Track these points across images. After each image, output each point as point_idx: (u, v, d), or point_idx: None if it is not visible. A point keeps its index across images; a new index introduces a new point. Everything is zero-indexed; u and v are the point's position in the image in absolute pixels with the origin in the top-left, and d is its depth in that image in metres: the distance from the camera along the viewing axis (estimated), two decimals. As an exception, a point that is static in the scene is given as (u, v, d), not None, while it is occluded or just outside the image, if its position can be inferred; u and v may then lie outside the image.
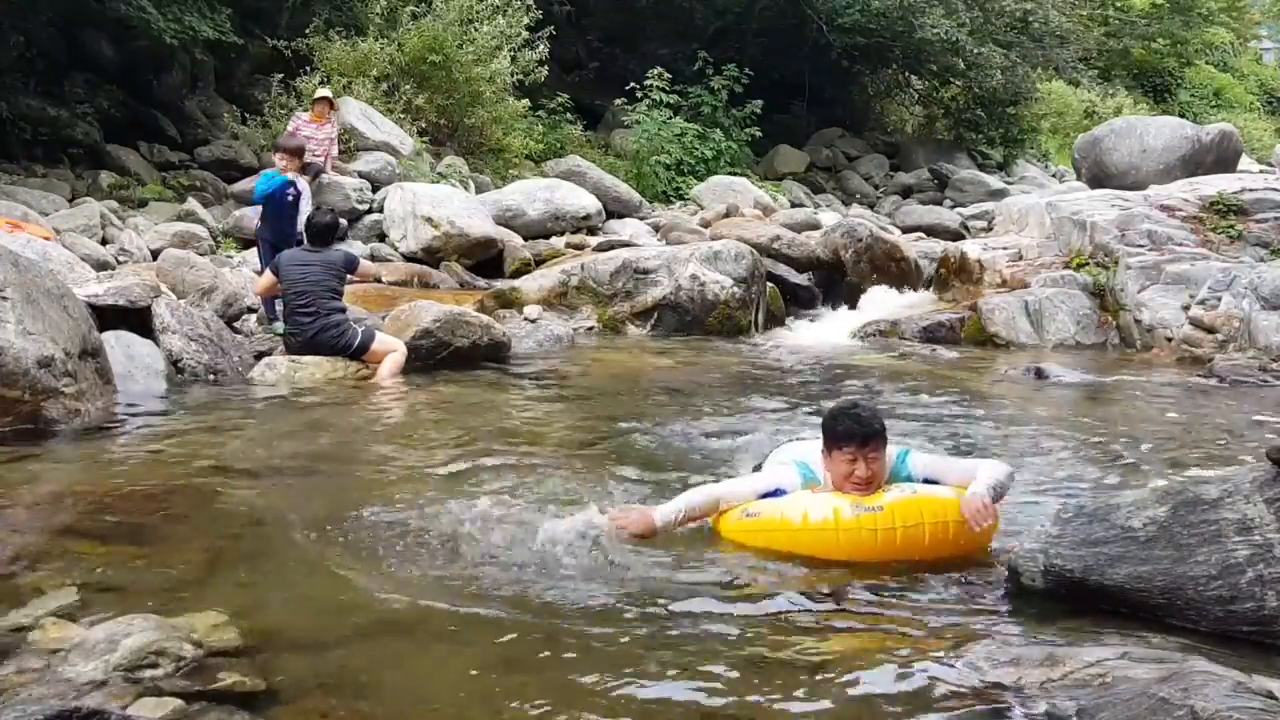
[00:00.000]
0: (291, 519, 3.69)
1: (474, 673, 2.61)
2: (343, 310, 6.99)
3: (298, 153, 8.46)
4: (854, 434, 3.49)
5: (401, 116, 13.66)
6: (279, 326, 7.22)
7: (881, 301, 10.23)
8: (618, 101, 17.66)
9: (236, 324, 7.52)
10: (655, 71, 17.04)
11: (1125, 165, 14.63)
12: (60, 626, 2.69)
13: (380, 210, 11.35)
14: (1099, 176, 14.88)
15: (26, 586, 3.00)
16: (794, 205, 17.14)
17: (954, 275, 10.31)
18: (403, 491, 4.06)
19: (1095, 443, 5.23)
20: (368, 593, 3.04)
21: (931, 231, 15.07)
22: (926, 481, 3.57)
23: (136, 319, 6.43)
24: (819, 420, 5.77)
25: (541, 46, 15.28)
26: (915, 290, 10.45)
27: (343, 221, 10.23)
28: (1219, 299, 8.41)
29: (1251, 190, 10.50)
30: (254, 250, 8.93)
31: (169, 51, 12.35)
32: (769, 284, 9.93)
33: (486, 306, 8.76)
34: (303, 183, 8.41)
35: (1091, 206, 10.65)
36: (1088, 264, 9.73)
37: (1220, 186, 10.61)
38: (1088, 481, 4.51)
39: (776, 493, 3.62)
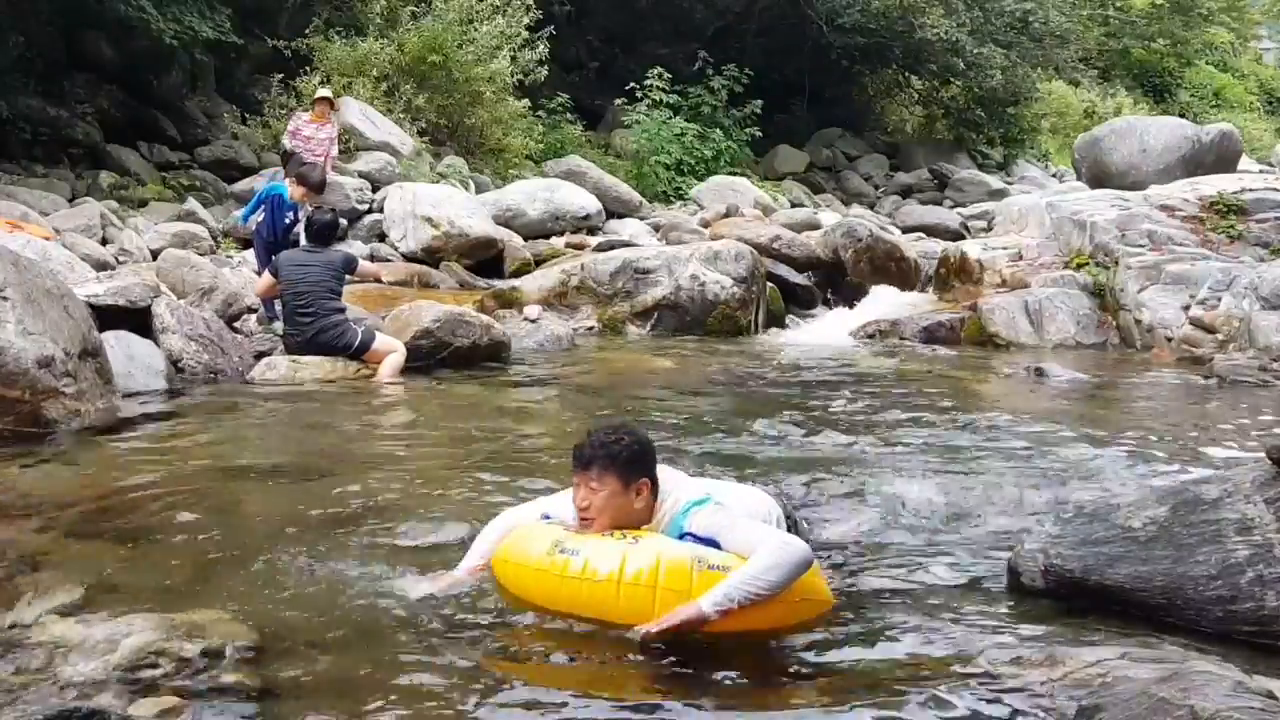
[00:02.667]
0: (291, 519, 3.69)
1: (473, 674, 2.61)
2: (342, 310, 6.98)
3: (318, 189, 8.21)
4: (578, 455, 2.95)
5: (401, 116, 13.66)
6: (279, 326, 7.21)
7: (881, 301, 10.24)
8: (618, 101, 17.68)
9: (236, 324, 7.51)
10: (655, 71, 17.05)
11: (1125, 165, 14.64)
12: (60, 626, 2.69)
13: (380, 210, 11.36)
14: (1099, 176, 14.88)
15: (26, 586, 3.00)
16: (794, 205, 17.16)
17: (954, 275, 10.31)
18: (403, 491, 4.06)
19: (1095, 443, 5.23)
20: (367, 593, 3.04)
21: (931, 231, 15.07)
22: (701, 541, 2.83)
23: (136, 319, 6.42)
24: (814, 422, 5.80)
25: (541, 46, 15.29)
26: (915, 290, 10.46)
27: (342, 221, 10.23)
28: (1219, 299, 8.41)
29: (1251, 190, 10.50)
30: (254, 251, 8.91)
31: (169, 51, 12.36)
32: (769, 284, 9.93)
33: (486, 306, 8.76)
34: (307, 210, 8.19)
35: (1091, 206, 10.65)
36: (1088, 264, 9.73)
37: (1220, 186, 10.61)
38: (1087, 481, 4.50)
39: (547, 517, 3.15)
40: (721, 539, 2.79)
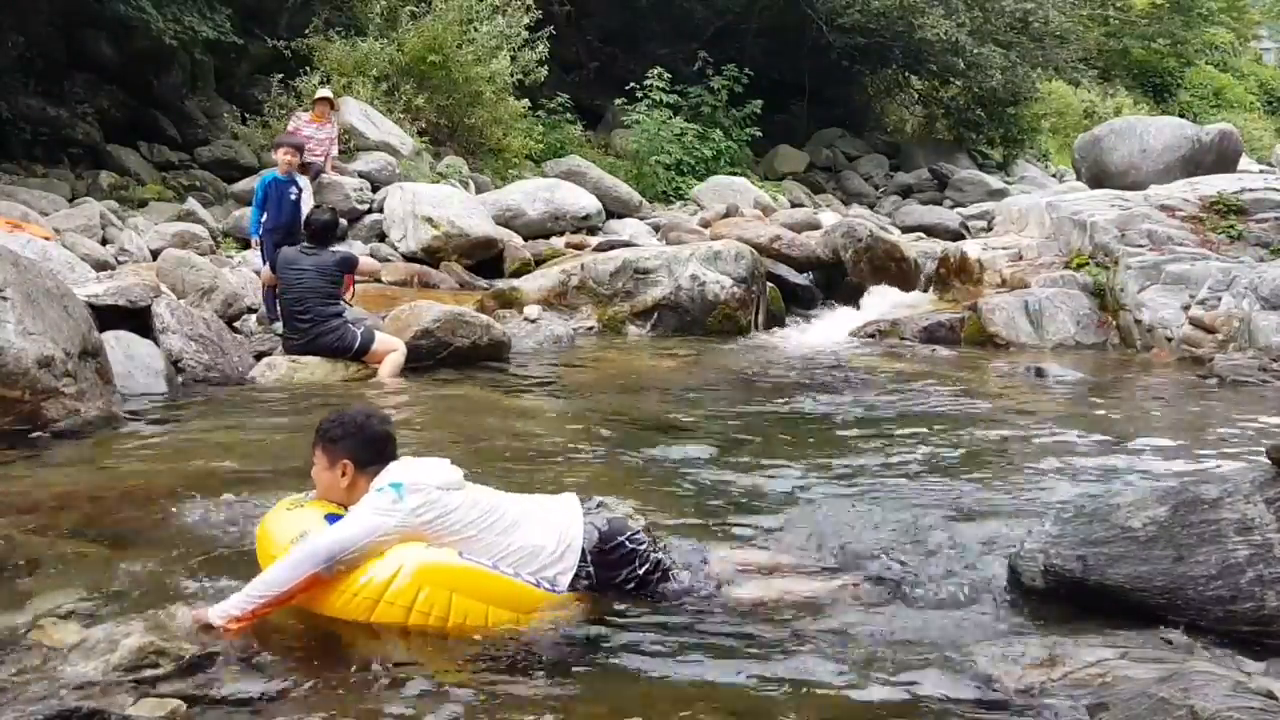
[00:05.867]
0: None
1: (474, 675, 2.61)
2: (339, 314, 6.92)
3: (299, 149, 8.43)
4: None
5: (401, 116, 13.65)
6: (279, 327, 7.21)
7: (881, 301, 10.23)
8: (618, 101, 17.67)
9: (236, 324, 7.52)
10: (655, 71, 17.04)
11: (1125, 165, 14.63)
12: (60, 626, 2.69)
13: (380, 210, 11.35)
14: (1099, 176, 14.88)
15: (26, 586, 3.01)
16: (794, 205, 17.15)
17: (954, 275, 10.30)
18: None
19: (1095, 443, 5.23)
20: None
21: (931, 231, 15.07)
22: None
23: (136, 319, 6.42)
24: (815, 421, 5.80)
25: (541, 46, 15.28)
26: (915, 290, 10.45)
27: (342, 221, 10.22)
28: (1219, 299, 8.40)
29: (1251, 190, 10.50)
30: (253, 250, 8.90)
31: (169, 51, 12.34)
32: (769, 284, 9.93)
33: (486, 306, 8.75)
34: (304, 180, 8.38)
35: (1091, 206, 10.64)
36: (1088, 264, 9.72)
37: (1220, 186, 10.61)
38: (1087, 481, 4.51)
39: None
40: None
